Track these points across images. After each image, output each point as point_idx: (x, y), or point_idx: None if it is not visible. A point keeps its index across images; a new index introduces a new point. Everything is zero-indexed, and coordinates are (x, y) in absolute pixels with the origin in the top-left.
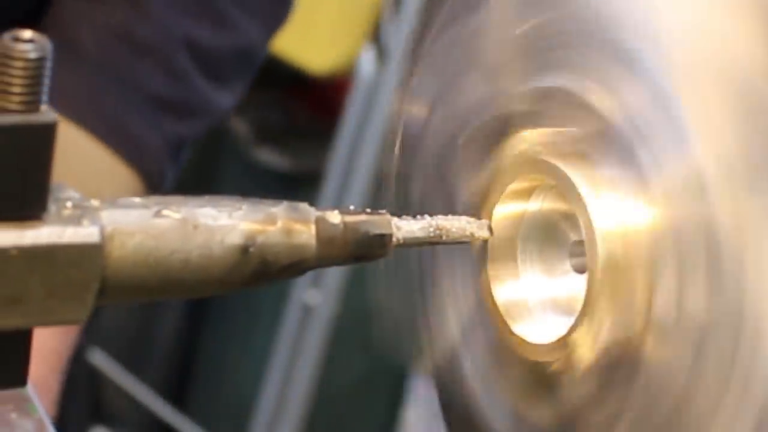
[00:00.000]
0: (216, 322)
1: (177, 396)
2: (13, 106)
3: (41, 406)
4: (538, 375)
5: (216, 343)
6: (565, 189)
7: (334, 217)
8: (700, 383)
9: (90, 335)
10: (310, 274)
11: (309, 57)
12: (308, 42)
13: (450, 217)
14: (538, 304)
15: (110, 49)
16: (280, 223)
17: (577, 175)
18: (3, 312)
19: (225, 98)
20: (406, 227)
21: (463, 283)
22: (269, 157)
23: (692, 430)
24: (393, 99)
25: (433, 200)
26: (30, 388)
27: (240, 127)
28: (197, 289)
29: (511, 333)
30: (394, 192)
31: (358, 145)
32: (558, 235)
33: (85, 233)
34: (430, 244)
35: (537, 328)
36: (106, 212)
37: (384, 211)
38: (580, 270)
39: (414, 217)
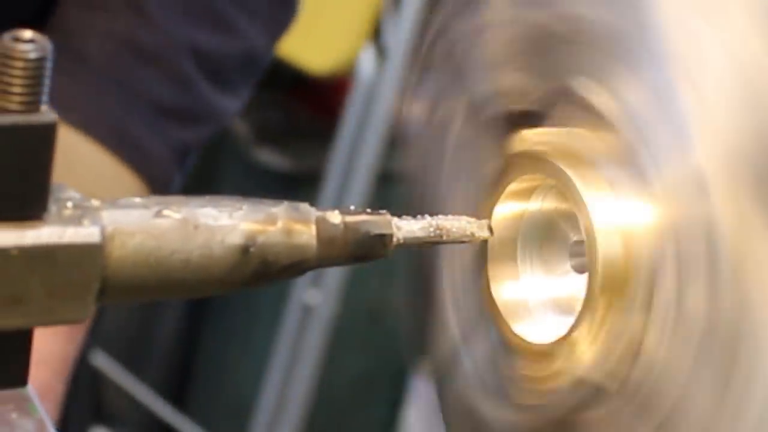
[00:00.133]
0: (216, 322)
1: (177, 396)
2: (14, 106)
3: (42, 408)
4: (538, 375)
5: (216, 343)
6: (565, 189)
7: (335, 217)
8: (700, 383)
9: (91, 336)
10: (310, 274)
11: (309, 57)
12: (308, 42)
13: (450, 217)
14: (538, 304)
15: (115, 57)
16: (280, 224)
17: (577, 175)
18: (3, 312)
19: (230, 103)
20: (407, 227)
21: (463, 283)
22: (269, 157)
23: (692, 431)
24: (394, 99)
25: (434, 200)
26: (30, 389)
27: (240, 127)
28: (198, 289)
29: (512, 333)
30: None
31: (358, 145)
32: (558, 235)
33: (85, 233)
34: (431, 244)
35: (537, 328)
36: (107, 212)
37: (384, 211)
38: (580, 270)
39: (414, 217)
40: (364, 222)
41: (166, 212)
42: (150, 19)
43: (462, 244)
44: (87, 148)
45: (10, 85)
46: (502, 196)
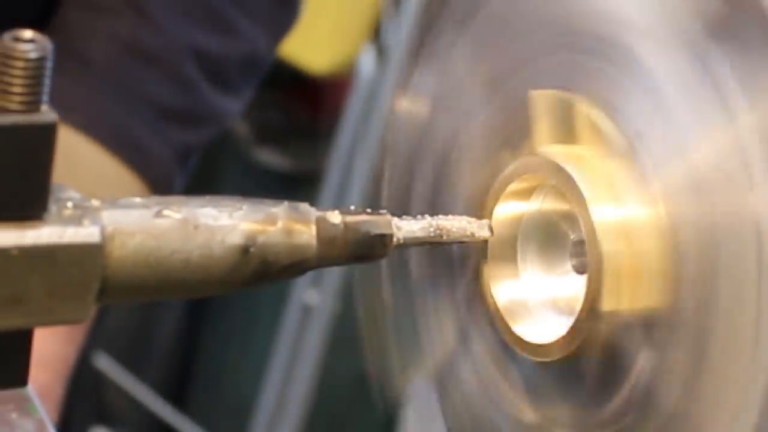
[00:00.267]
0: (216, 322)
1: (177, 396)
2: (14, 106)
3: (42, 408)
4: (538, 375)
5: (216, 343)
6: (565, 189)
7: (335, 217)
8: (700, 384)
9: (93, 337)
10: (310, 274)
11: (309, 57)
12: (308, 42)
13: (450, 217)
14: (538, 304)
15: (116, 58)
16: (280, 224)
17: (577, 175)
18: (3, 312)
19: (232, 105)
20: (407, 227)
21: (462, 284)
22: (269, 157)
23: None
24: (392, 99)
25: (434, 200)
26: (30, 389)
27: (240, 127)
28: (198, 289)
29: (511, 333)
30: (395, 192)
31: (358, 145)
32: (558, 235)
33: (85, 233)
34: (431, 244)
35: (537, 328)
36: (107, 212)
37: (384, 211)
38: (580, 270)
39: (414, 217)
40: (364, 222)
41: (166, 212)
42: (152, 20)
43: (462, 244)
44: (88, 149)
45: (11, 85)
46: (502, 196)
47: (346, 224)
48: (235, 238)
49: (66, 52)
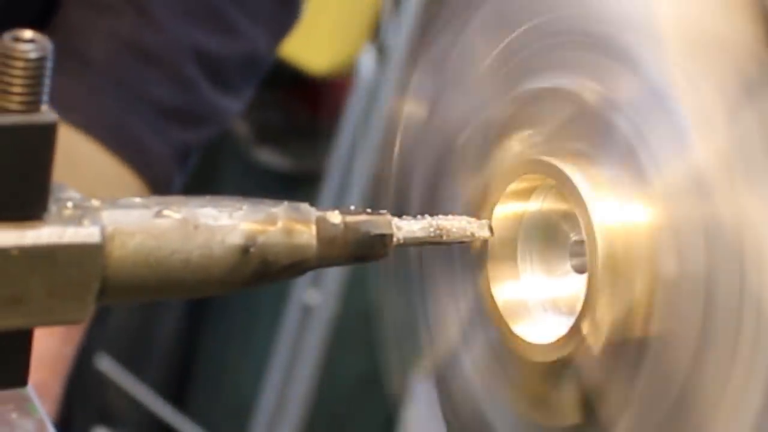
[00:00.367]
0: (216, 322)
1: (177, 396)
2: (14, 106)
3: (42, 408)
4: (538, 375)
5: (216, 343)
6: (565, 189)
7: (335, 217)
8: (700, 384)
9: (95, 340)
10: (310, 274)
11: (309, 57)
12: (308, 42)
13: (450, 217)
14: (538, 304)
15: (118, 58)
16: (280, 224)
17: (577, 175)
18: (3, 312)
19: (231, 104)
20: (407, 227)
21: (463, 284)
22: (269, 157)
23: (701, 416)
24: (392, 99)
25: (434, 200)
26: (30, 389)
27: (240, 127)
28: (198, 289)
29: (511, 333)
30: (395, 192)
31: (358, 145)
32: (558, 235)
33: (85, 233)
34: (431, 244)
35: (537, 328)
36: (107, 212)
37: (384, 211)
38: (580, 270)
39: (414, 217)
40: (364, 222)
41: (166, 212)
42: (152, 20)
43: (462, 244)
44: (88, 148)
45: (11, 85)
46: (502, 196)
47: (346, 224)
48: (235, 238)
49: (66, 51)
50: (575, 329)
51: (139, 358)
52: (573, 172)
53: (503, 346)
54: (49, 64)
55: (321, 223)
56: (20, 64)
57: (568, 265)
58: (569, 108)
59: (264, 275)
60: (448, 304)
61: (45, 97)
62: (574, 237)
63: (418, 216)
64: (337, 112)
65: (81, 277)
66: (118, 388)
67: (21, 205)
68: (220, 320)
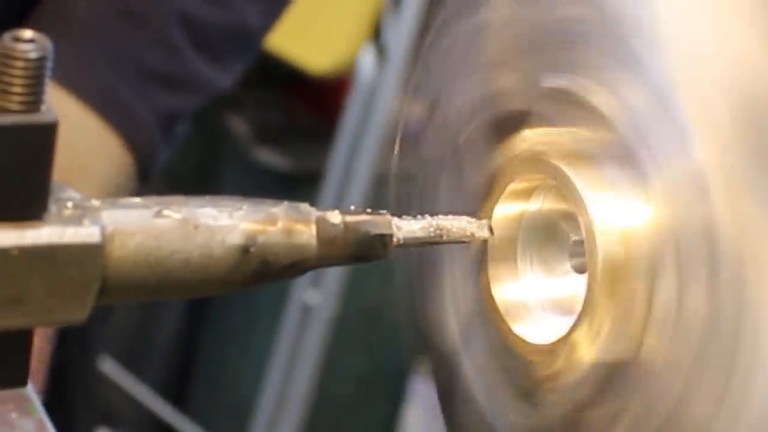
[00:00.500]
0: (216, 322)
1: (177, 396)
2: (14, 106)
3: (42, 408)
4: (538, 375)
5: (216, 343)
6: (565, 189)
7: (335, 217)
8: (700, 384)
9: (99, 342)
10: (310, 274)
11: (309, 57)
12: (308, 42)
13: (450, 217)
14: (538, 304)
15: (105, 21)
16: (280, 224)
17: (577, 175)
18: (4, 312)
19: (219, 76)
20: (407, 227)
21: (463, 283)
22: (269, 157)
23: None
24: (394, 99)
25: (434, 200)
26: (30, 389)
27: (240, 127)
28: (198, 289)
29: (511, 333)
30: (395, 192)
31: (358, 145)
32: (558, 235)
33: (85, 233)
34: (431, 244)
35: (537, 328)
36: (107, 212)
37: (384, 211)
38: (580, 270)
39: (414, 217)
40: (364, 222)
41: (166, 212)
42: None
43: (462, 244)
44: (73, 108)
45: (11, 85)
46: (502, 196)
47: (346, 224)
48: (235, 238)
49: (53, 12)
50: (574, 330)
51: (139, 358)
52: (573, 172)
53: (503, 346)
54: (49, 64)
55: (321, 223)
56: (20, 64)
57: (568, 265)
58: (570, 108)
59: (264, 275)
60: (449, 304)
61: (45, 97)
62: (574, 237)
63: (418, 216)
64: (337, 112)
65: (81, 277)
66: (118, 389)
67: (21, 205)
68: (220, 320)
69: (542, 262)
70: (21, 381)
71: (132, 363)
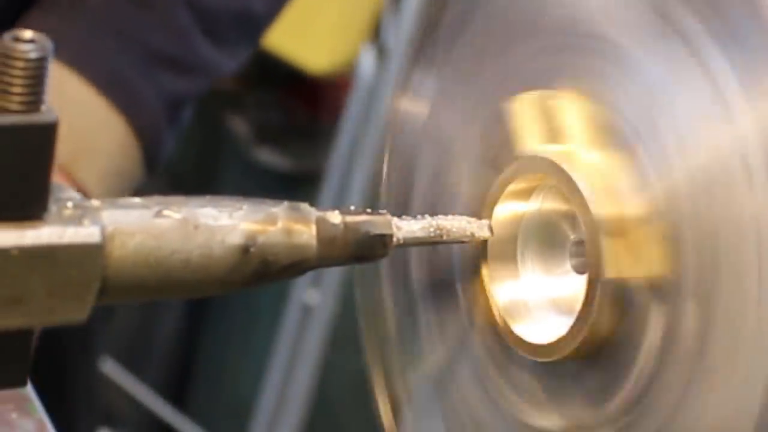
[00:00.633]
0: (216, 322)
1: (177, 396)
2: (14, 106)
3: (42, 408)
4: (538, 375)
5: (216, 343)
6: (565, 189)
7: (335, 217)
8: (699, 384)
9: (100, 343)
10: (310, 274)
11: (309, 57)
12: (308, 42)
13: (450, 217)
14: (538, 304)
15: (112, 4)
16: (280, 224)
17: (577, 175)
18: (4, 312)
19: (224, 60)
20: (407, 227)
21: (463, 284)
22: (269, 157)
23: None
24: (392, 99)
25: (434, 200)
26: (30, 389)
27: (240, 127)
28: (198, 289)
29: (511, 333)
30: (395, 192)
31: (358, 145)
32: (558, 235)
33: (85, 233)
34: (431, 244)
35: (537, 328)
36: (107, 212)
37: (384, 211)
38: (580, 270)
39: (414, 217)
40: (364, 222)
41: (166, 212)
42: None
43: (461, 244)
44: (78, 87)
45: (11, 85)
46: (502, 196)
47: (346, 224)
48: (235, 238)
49: None
50: (575, 329)
51: (140, 358)
52: (573, 172)
53: (503, 346)
54: (49, 64)
55: (321, 223)
56: (20, 64)
57: (567, 265)
58: (570, 108)
59: (264, 275)
60: (448, 305)
61: (45, 97)
62: (574, 237)
63: (418, 216)
64: (337, 112)
65: (81, 277)
66: (118, 389)
67: (21, 205)
68: (220, 320)
69: (542, 262)
70: (21, 381)
71: (132, 363)
